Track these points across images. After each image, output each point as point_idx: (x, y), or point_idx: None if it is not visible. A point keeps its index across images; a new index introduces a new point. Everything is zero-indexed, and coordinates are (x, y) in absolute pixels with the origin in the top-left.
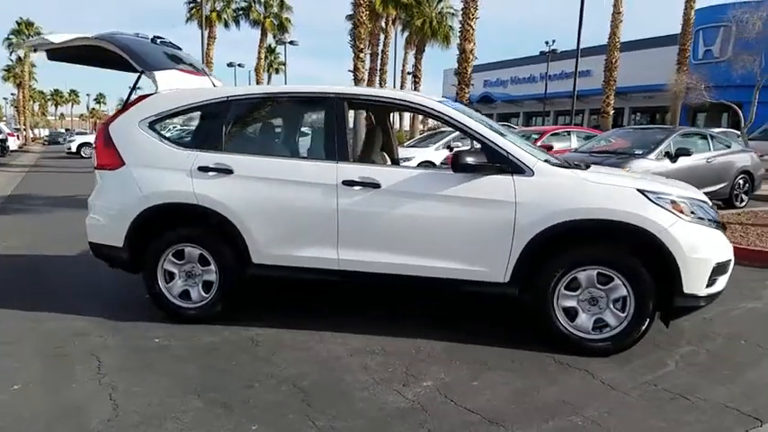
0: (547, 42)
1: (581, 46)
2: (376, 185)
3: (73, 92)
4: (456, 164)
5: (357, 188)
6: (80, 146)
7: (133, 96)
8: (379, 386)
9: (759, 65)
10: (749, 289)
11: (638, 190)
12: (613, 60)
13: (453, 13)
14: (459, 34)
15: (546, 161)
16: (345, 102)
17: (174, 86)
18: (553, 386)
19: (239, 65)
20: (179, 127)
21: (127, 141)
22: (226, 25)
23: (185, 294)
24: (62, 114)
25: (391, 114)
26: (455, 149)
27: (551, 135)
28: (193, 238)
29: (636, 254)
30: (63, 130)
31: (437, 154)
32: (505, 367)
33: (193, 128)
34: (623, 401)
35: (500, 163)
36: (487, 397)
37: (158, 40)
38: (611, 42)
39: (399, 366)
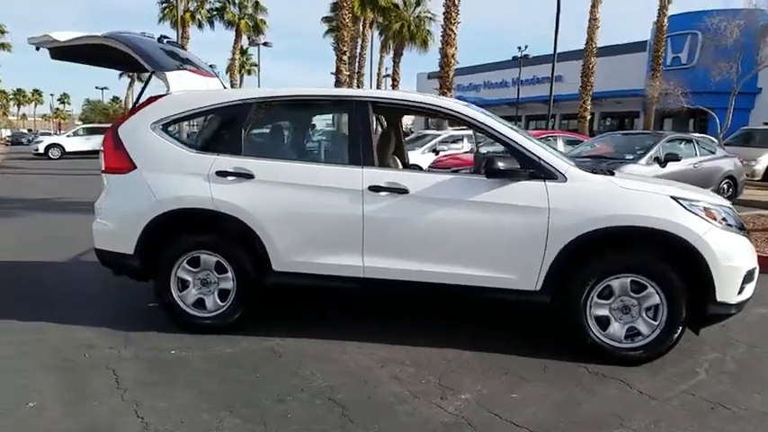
0: (519, 48)
1: (550, 52)
2: (404, 191)
3: (36, 91)
4: (490, 169)
5: (384, 194)
6: (48, 147)
7: (143, 98)
8: (416, 399)
9: (736, 72)
10: (759, 294)
11: (671, 197)
12: (590, 66)
13: (431, 18)
14: (440, 39)
15: (576, 167)
16: (370, 105)
17: (185, 88)
18: (593, 397)
19: (210, 66)
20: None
21: (138, 144)
22: (200, 26)
23: (199, 303)
24: (24, 114)
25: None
26: (440, 152)
27: (538, 140)
28: (210, 244)
29: (669, 261)
30: (26, 131)
31: (423, 157)
32: (540, 378)
33: (206, 131)
34: (665, 412)
35: (533, 168)
36: (532, 410)
37: (165, 40)
38: (588, 48)
39: (432, 378)
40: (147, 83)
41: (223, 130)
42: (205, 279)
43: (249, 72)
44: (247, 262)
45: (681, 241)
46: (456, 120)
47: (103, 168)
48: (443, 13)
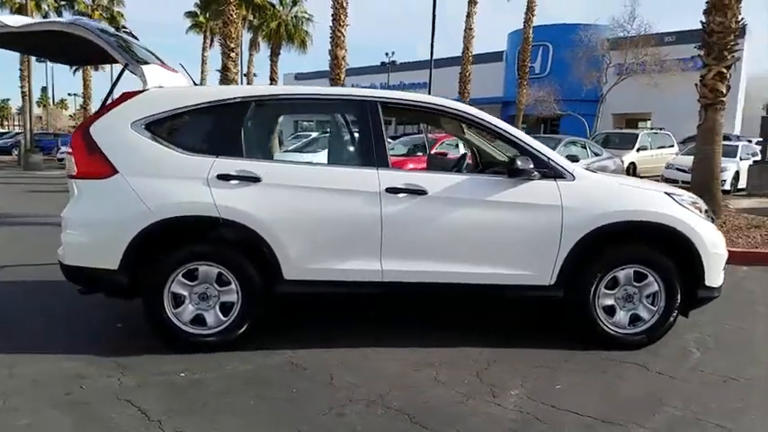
0: (387, 54)
1: (417, 59)
2: (422, 192)
3: None
4: (513, 169)
5: (402, 195)
6: None
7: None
8: (471, 399)
9: (603, 81)
10: None
11: (665, 193)
12: (467, 74)
13: (309, 18)
14: (329, 40)
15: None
16: (381, 106)
17: (161, 83)
18: (623, 381)
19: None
20: None
21: (118, 146)
22: (45, 17)
23: (197, 320)
24: None
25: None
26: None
27: (447, 143)
28: (211, 255)
29: (665, 252)
30: None
31: None
32: (567, 368)
33: (198, 131)
34: (692, 390)
35: (545, 168)
36: (580, 399)
37: (122, 31)
38: (465, 56)
39: (470, 377)
40: (118, 78)
41: (220, 129)
42: (204, 293)
43: (96, 68)
44: (254, 272)
45: (677, 233)
46: (466, 122)
47: (75, 174)
48: (332, 15)
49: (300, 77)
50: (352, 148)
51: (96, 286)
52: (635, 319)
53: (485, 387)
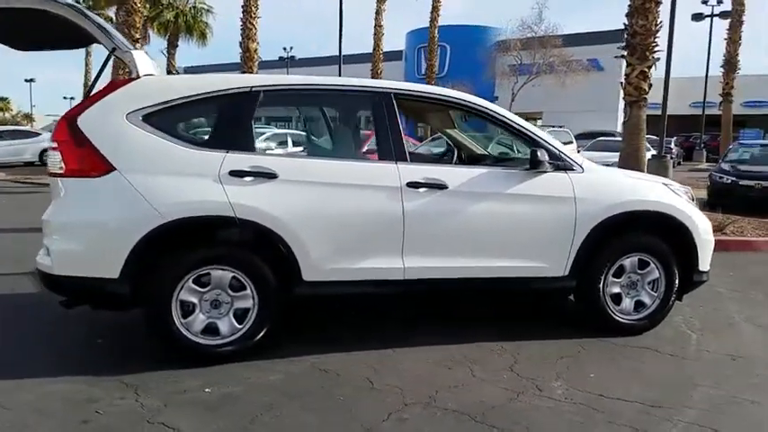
0: (285, 48)
1: (307, 56)
2: (443, 186)
3: None
4: (535, 161)
5: (422, 190)
6: None
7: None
8: (522, 395)
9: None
10: None
11: (663, 184)
12: (378, 71)
13: (208, 10)
14: (240, 32)
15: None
16: (397, 98)
17: (149, 71)
18: (647, 365)
19: None
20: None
21: (113, 140)
22: None
23: (209, 329)
24: None
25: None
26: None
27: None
28: (224, 258)
29: (665, 239)
30: None
31: None
32: (589, 358)
33: (202, 123)
34: (710, 369)
35: (559, 161)
36: (620, 385)
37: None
38: (376, 54)
39: (506, 372)
40: (105, 64)
41: (228, 122)
42: (215, 300)
43: None
44: (271, 274)
45: (676, 221)
46: (481, 116)
47: (62, 171)
48: (242, 6)
49: (190, 71)
50: (367, 142)
51: (91, 298)
52: (638, 306)
53: (526, 381)
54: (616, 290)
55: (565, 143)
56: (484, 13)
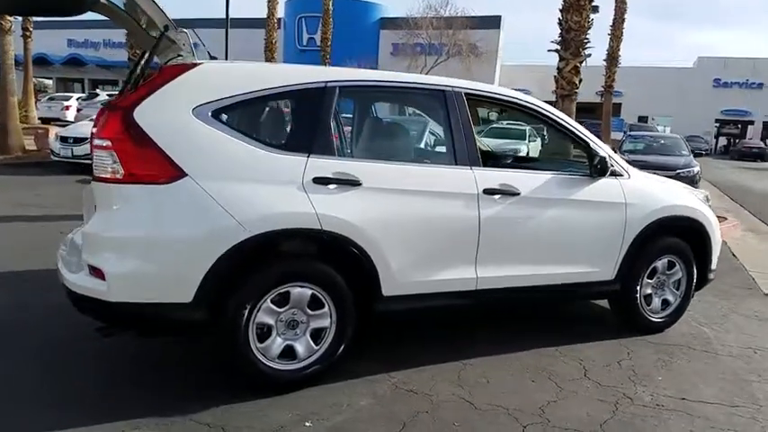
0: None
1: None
2: (516, 193)
3: None
4: (603, 169)
5: (497, 197)
6: None
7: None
8: (620, 405)
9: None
10: None
11: (684, 188)
12: (273, 41)
13: None
14: None
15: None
16: (468, 97)
17: (204, 56)
18: (691, 363)
19: None
20: None
21: (180, 139)
22: None
23: (286, 352)
24: None
25: None
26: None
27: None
28: (306, 274)
29: (687, 240)
30: None
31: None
32: (644, 361)
33: (278, 121)
34: (744, 363)
35: (612, 167)
36: (690, 386)
37: None
38: (270, 21)
39: (585, 381)
40: (156, 46)
41: (307, 121)
42: (292, 320)
43: None
44: (349, 291)
45: (698, 223)
46: (546, 121)
47: (119, 177)
48: None
49: None
50: (441, 144)
51: (157, 327)
52: (664, 304)
53: (610, 390)
54: (649, 291)
55: None
56: None
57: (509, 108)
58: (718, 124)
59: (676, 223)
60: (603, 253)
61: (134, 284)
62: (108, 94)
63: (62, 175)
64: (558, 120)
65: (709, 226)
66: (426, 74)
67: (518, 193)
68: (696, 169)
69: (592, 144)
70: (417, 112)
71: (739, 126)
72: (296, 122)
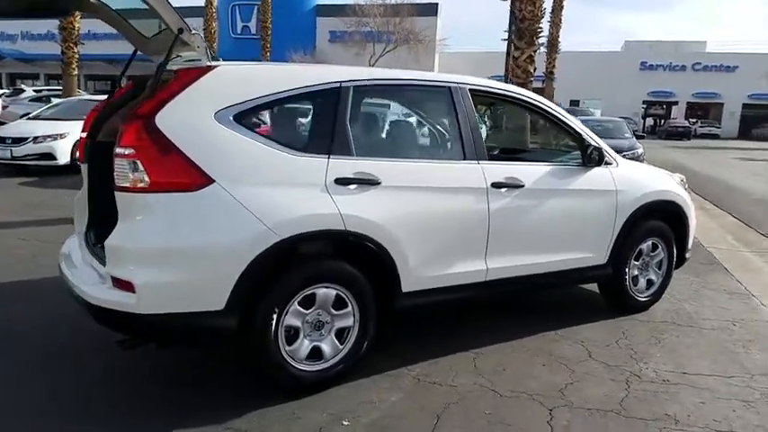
0: None
1: None
2: (520, 186)
3: None
4: (600, 159)
5: (504, 190)
6: None
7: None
8: (632, 384)
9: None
10: None
11: (664, 173)
12: (212, 30)
13: None
14: None
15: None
16: (473, 94)
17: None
18: (681, 338)
19: None
20: None
21: (205, 145)
22: None
23: (313, 353)
24: None
25: None
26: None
27: None
28: (331, 275)
29: (668, 223)
30: None
31: None
32: (640, 339)
33: (296, 123)
34: (733, 337)
35: (603, 156)
36: (686, 360)
37: None
38: (208, 11)
39: (593, 362)
40: (171, 49)
41: (325, 122)
42: (317, 320)
43: None
44: (371, 289)
45: (679, 207)
46: (544, 115)
47: (144, 186)
48: None
49: None
50: (448, 140)
51: (187, 337)
52: (648, 284)
53: (618, 369)
54: (635, 272)
55: None
56: None
57: (510, 104)
58: (645, 105)
59: (660, 207)
60: (597, 239)
61: (165, 295)
62: (34, 90)
63: (1, 178)
64: (558, 115)
65: (687, 209)
66: (373, 64)
67: (522, 186)
68: (640, 150)
69: (585, 136)
70: (418, 109)
71: (664, 107)
72: (315, 124)
